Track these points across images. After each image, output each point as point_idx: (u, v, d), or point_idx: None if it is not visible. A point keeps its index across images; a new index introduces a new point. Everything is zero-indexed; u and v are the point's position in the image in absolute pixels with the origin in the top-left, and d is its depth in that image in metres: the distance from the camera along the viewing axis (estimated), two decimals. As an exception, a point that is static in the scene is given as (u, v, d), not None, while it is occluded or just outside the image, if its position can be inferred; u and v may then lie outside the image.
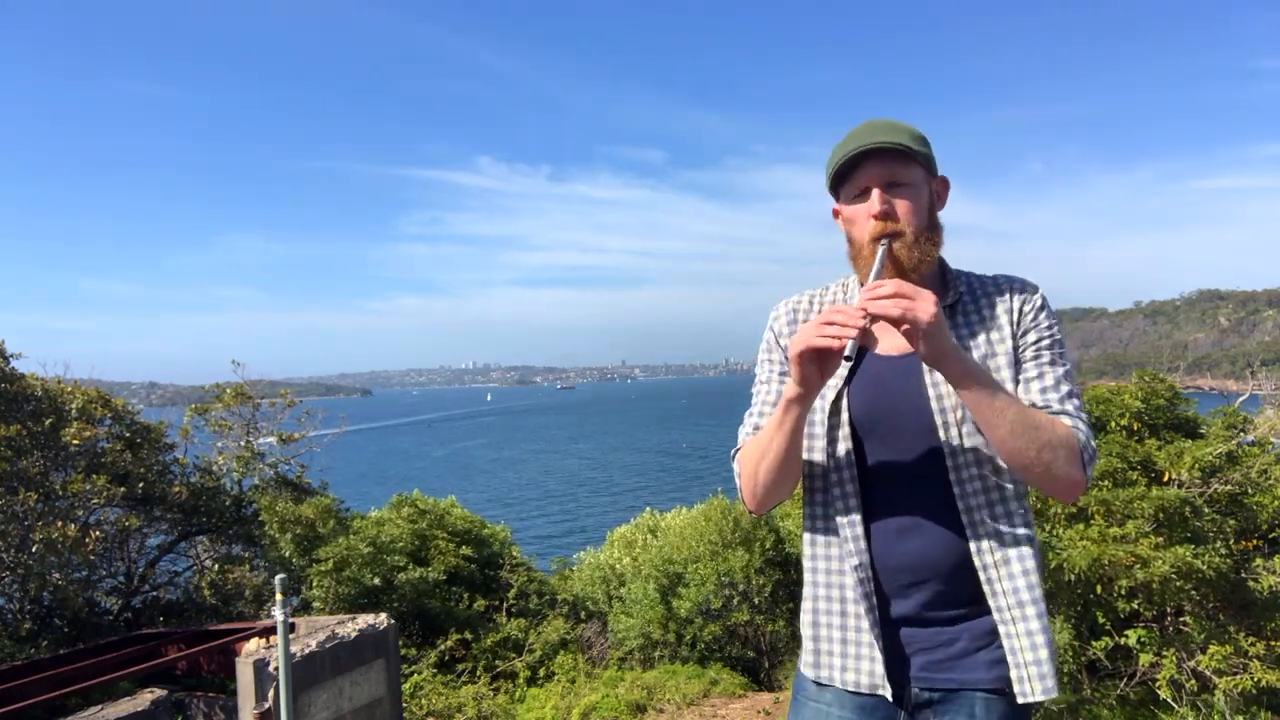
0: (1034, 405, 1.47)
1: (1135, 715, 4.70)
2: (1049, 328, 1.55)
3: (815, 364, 1.41)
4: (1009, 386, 1.50)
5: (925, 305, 1.33)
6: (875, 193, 1.52)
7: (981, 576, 1.48)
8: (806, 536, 1.65)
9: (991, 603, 1.48)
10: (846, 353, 1.36)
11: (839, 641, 1.58)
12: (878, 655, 1.52)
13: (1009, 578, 1.48)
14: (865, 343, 1.60)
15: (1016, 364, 1.54)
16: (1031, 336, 1.54)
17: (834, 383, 1.58)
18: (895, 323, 1.34)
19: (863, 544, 1.54)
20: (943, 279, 1.63)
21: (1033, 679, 1.45)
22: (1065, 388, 1.50)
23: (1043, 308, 1.56)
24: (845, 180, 1.57)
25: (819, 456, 1.60)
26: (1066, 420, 1.45)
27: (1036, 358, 1.53)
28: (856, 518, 1.54)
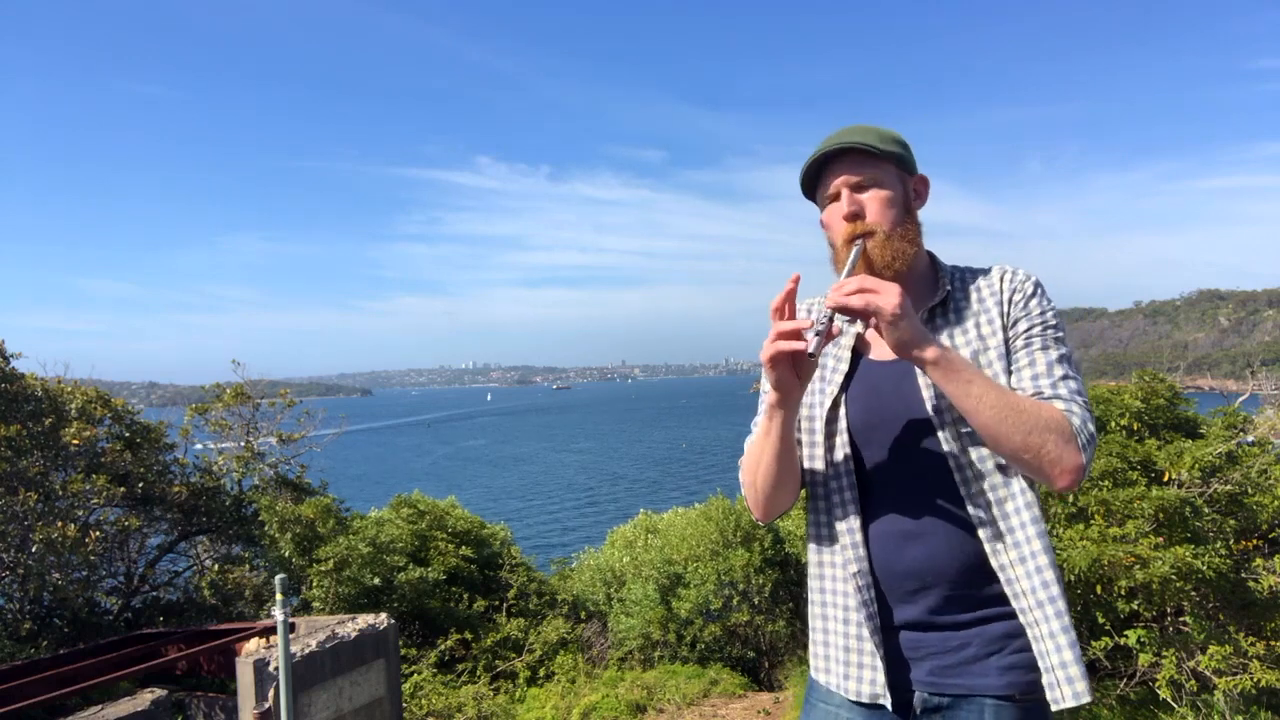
0: (1026, 394, 1.45)
1: (1135, 715, 4.70)
2: (1041, 313, 1.52)
3: (787, 368, 1.43)
4: (1001, 379, 1.47)
5: (888, 296, 1.34)
6: (844, 194, 1.54)
7: (1001, 577, 1.45)
8: (811, 545, 1.64)
9: (1014, 604, 1.44)
10: (810, 350, 1.37)
11: (842, 649, 1.57)
12: (879, 664, 1.50)
13: (1028, 575, 1.44)
14: (860, 347, 1.61)
15: (1009, 354, 1.51)
16: (1022, 325, 1.51)
17: (830, 390, 1.59)
18: (861, 315, 1.38)
19: (861, 551, 1.52)
20: (933, 276, 1.62)
21: (1060, 684, 1.41)
22: (1059, 371, 1.46)
23: (1033, 294, 1.53)
24: (817, 186, 1.60)
25: (819, 464, 1.59)
26: (1059, 404, 1.42)
27: (1027, 345, 1.50)
28: (855, 524, 1.53)
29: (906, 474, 1.51)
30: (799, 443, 1.62)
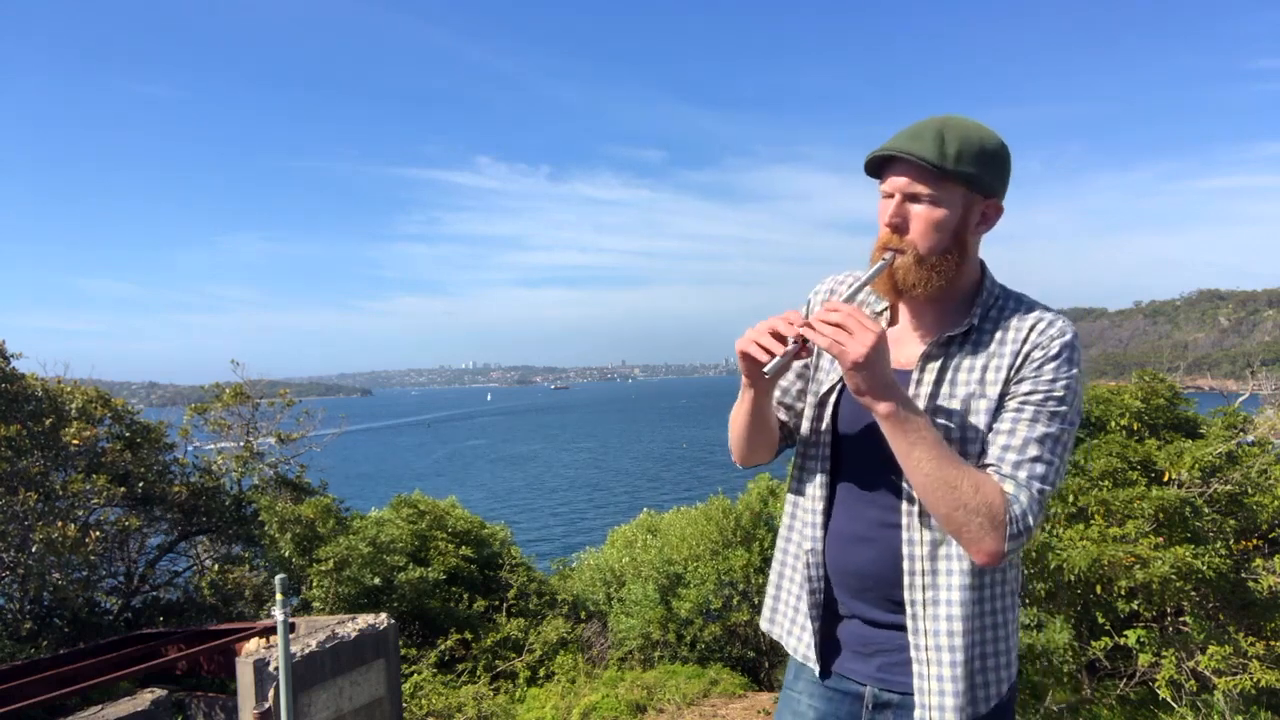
0: (986, 462, 1.41)
1: (1135, 715, 4.70)
2: (1051, 382, 1.40)
3: (754, 365, 1.44)
4: (981, 431, 1.43)
5: (857, 345, 1.30)
6: (895, 199, 1.45)
7: (907, 610, 1.46)
8: (789, 498, 1.70)
9: (911, 639, 1.46)
10: (765, 370, 1.40)
11: (792, 608, 1.65)
12: (812, 631, 1.58)
13: (933, 619, 1.44)
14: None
15: (999, 411, 1.43)
16: (1025, 386, 1.41)
17: (835, 374, 1.60)
18: (826, 350, 1.35)
19: (819, 533, 1.58)
20: (971, 301, 1.52)
21: None
22: (1032, 451, 1.37)
23: (1056, 358, 1.40)
24: (880, 174, 1.50)
25: (808, 432, 1.65)
26: (1009, 486, 1.36)
27: (1018, 410, 1.40)
28: (819, 508, 1.58)
29: (872, 478, 1.53)
30: (798, 410, 1.70)
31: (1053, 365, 1.40)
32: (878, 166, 1.49)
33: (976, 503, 1.33)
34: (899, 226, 1.45)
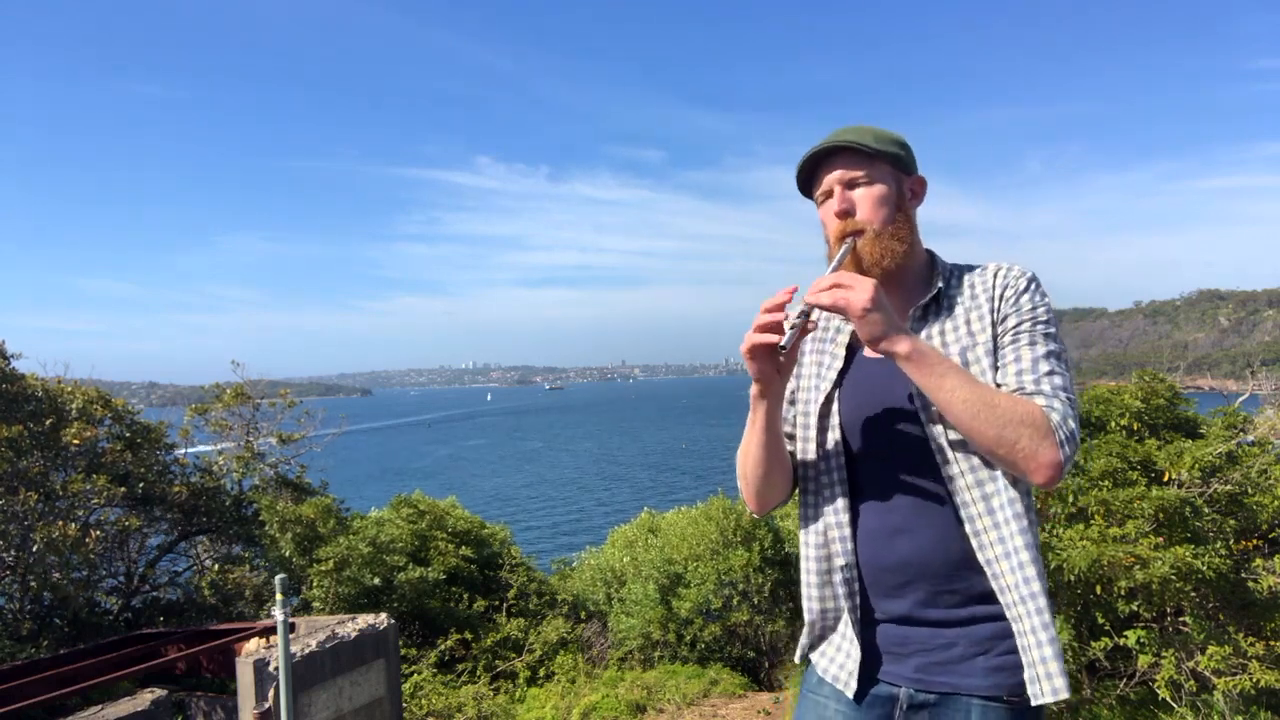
0: (1009, 389, 1.45)
1: (1135, 715, 4.70)
2: (1031, 309, 1.50)
3: (766, 360, 1.46)
4: (988, 375, 1.48)
5: (859, 293, 1.36)
6: (837, 191, 1.57)
7: (988, 571, 1.46)
8: (800, 532, 1.67)
9: (1000, 599, 1.46)
10: (781, 344, 1.41)
11: (839, 635, 1.61)
12: (855, 655, 1.54)
13: (1011, 571, 1.45)
14: (854, 343, 1.63)
15: (997, 350, 1.50)
16: (1011, 320, 1.50)
17: (824, 385, 1.61)
18: (832, 310, 1.39)
19: (849, 544, 1.55)
20: (929, 274, 1.62)
21: (1040, 679, 1.43)
22: (1044, 367, 1.44)
23: (1025, 290, 1.51)
24: (812, 185, 1.62)
25: (811, 456, 1.62)
26: (1039, 400, 1.40)
27: (1015, 341, 1.48)
28: (844, 519, 1.56)
29: (895, 468, 1.52)
30: (793, 436, 1.67)
31: (1027, 295, 1.51)
32: (807, 179, 1.63)
33: (1021, 414, 1.36)
34: (849, 211, 1.56)
